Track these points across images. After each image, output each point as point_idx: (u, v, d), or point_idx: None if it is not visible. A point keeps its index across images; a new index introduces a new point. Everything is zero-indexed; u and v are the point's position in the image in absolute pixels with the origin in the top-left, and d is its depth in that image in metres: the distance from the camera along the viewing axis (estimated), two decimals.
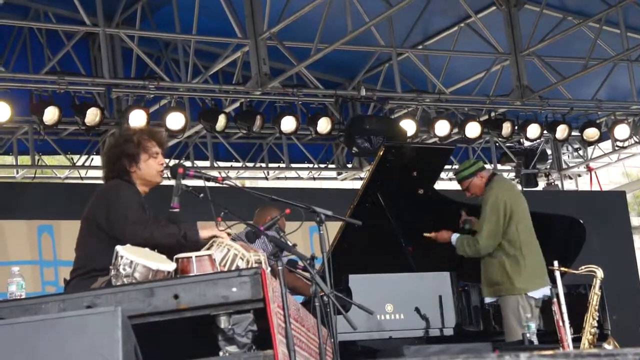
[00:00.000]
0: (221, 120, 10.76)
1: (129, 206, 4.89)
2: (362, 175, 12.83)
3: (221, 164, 12.61)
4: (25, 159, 11.59)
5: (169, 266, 4.46)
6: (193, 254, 4.50)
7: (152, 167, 5.11)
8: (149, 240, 4.75)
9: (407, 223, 7.76)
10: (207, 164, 12.33)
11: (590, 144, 13.39)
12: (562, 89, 11.87)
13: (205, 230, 4.89)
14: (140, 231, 4.76)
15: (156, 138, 5.19)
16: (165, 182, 5.41)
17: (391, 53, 11.21)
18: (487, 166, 12.77)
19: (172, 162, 11.72)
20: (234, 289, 4.18)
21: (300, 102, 11.44)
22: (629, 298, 12.07)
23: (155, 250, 4.68)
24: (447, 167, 12.81)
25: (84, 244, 5.01)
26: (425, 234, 7.60)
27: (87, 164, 11.84)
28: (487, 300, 7.43)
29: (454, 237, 7.49)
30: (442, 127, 11.80)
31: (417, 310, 7.10)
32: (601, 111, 12.84)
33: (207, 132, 11.49)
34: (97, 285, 4.62)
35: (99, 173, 5.47)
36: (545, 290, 7.23)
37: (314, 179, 13.30)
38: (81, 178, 11.94)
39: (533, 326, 6.61)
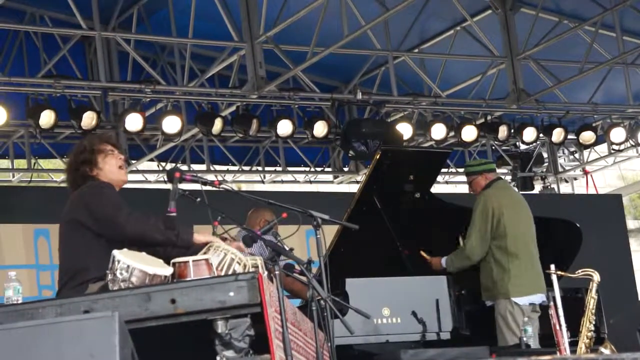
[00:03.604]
0: (217, 124, 10.76)
1: (115, 201, 4.89)
2: (359, 178, 12.83)
3: (217, 167, 12.61)
4: (21, 163, 11.58)
5: (166, 270, 4.46)
6: (190, 258, 4.50)
7: (112, 164, 5.12)
8: (139, 233, 4.73)
9: (403, 227, 7.76)
10: (203, 167, 12.33)
11: (586, 147, 13.41)
12: (558, 93, 11.88)
13: (200, 234, 4.88)
14: (132, 223, 4.75)
15: (106, 140, 5.23)
16: (162, 186, 5.42)
17: (387, 56, 11.22)
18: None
19: (169, 166, 11.73)
20: (231, 294, 4.17)
21: (296, 106, 11.45)
22: (625, 302, 12.06)
23: (151, 253, 4.68)
24: (443, 170, 12.82)
25: (67, 246, 5.00)
26: (422, 253, 7.62)
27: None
28: (488, 304, 7.46)
29: (444, 260, 7.53)
30: (438, 131, 11.82)
31: (414, 314, 7.11)
32: (597, 114, 12.85)
33: (204, 135, 11.49)
34: (91, 291, 4.61)
35: None
36: (533, 299, 7.26)
37: (311, 182, 13.29)
38: None
39: (530, 330, 6.62)
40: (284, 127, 11.12)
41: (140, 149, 11.56)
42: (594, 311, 6.79)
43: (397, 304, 7.09)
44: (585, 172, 14.48)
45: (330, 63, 11.08)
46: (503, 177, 13.49)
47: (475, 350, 7.05)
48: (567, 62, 11.71)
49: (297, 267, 5.20)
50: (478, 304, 7.48)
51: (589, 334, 6.69)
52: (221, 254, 4.66)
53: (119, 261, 4.40)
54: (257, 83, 9.94)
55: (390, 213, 7.72)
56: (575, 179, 14.85)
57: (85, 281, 4.75)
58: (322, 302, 4.81)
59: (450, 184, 13.73)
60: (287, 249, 5.00)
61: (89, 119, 9.95)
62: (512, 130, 12.38)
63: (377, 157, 7.55)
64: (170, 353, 4.51)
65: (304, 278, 5.01)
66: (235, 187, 11.33)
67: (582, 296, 7.28)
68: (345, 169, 13.25)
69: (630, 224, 19.82)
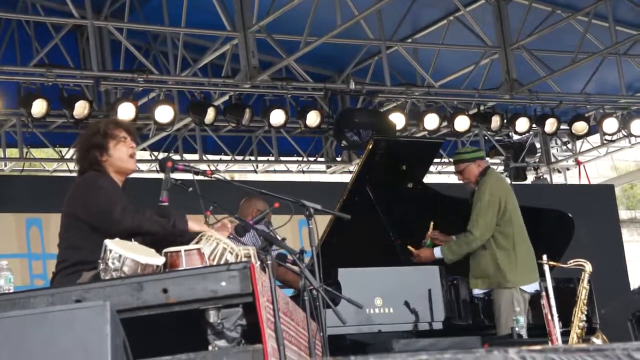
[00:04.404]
0: (210, 114, 10.75)
1: (111, 195, 4.89)
2: (351, 168, 12.82)
3: (210, 157, 12.59)
4: (13, 152, 11.55)
5: (158, 260, 4.45)
6: (182, 248, 4.50)
7: (123, 151, 5.11)
8: (136, 227, 4.74)
9: (396, 217, 7.76)
10: (196, 157, 12.31)
11: (579, 137, 13.40)
12: (551, 83, 11.89)
13: (194, 222, 4.88)
14: (127, 218, 4.75)
15: (122, 126, 5.23)
16: (154, 176, 5.41)
17: (380, 46, 11.21)
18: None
19: (161, 156, 11.71)
20: (223, 283, 4.17)
21: (289, 95, 11.43)
22: (617, 292, 12.08)
23: (142, 242, 4.67)
24: (436, 160, 12.83)
25: (65, 237, 5.00)
26: (410, 248, 7.58)
27: (75, 156, 11.78)
28: (476, 292, 7.44)
29: (437, 250, 7.47)
30: (431, 121, 11.81)
31: (406, 304, 7.11)
32: (590, 105, 12.86)
33: (196, 125, 11.46)
34: (84, 280, 4.61)
35: None
36: (537, 285, 7.25)
37: (303, 172, 13.29)
38: (70, 171, 11.91)
39: (522, 320, 6.63)
40: (277, 117, 11.11)
41: None
42: (585, 301, 6.80)
43: (389, 293, 7.09)
44: (578, 163, 14.49)
45: (323, 53, 11.06)
46: (495, 167, 13.57)
47: (467, 339, 7.07)
48: (560, 52, 11.71)
49: (289, 256, 5.20)
50: (471, 294, 7.49)
51: (581, 324, 6.70)
52: (213, 243, 4.66)
53: (110, 250, 4.40)
54: (250, 72, 9.93)
55: (383, 203, 7.72)
56: (568, 169, 14.86)
57: (80, 270, 4.75)
58: (314, 292, 4.81)
59: (443, 174, 13.73)
60: (280, 238, 5.00)
61: (81, 108, 9.93)
62: (505, 121, 12.38)
63: (370, 147, 7.54)
64: (161, 343, 4.50)
65: (296, 268, 5.01)
66: (227, 176, 11.32)
67: (574, 286, 7.29)
68: (338, 159, 13.24)
69: (623, 214, 19.85)
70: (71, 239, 4.93)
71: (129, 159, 5.14)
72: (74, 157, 5.31)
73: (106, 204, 4.81)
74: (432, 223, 7.59)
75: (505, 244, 7.33)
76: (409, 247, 7.58)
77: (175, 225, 4.83)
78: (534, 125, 12.55)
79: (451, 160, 13.17)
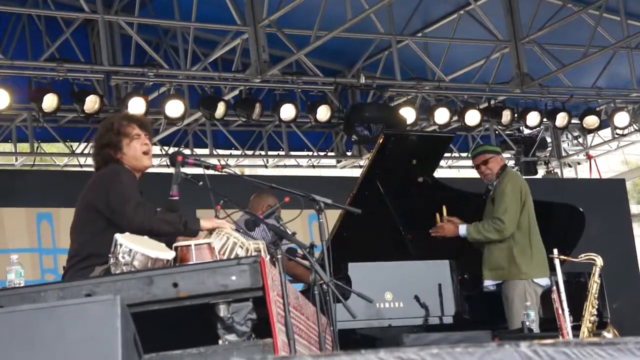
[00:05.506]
0: (220, 108, 10.75)
1: (130, 189, 4.87)
2: (362, 163, 12.80)
3: (220, 151, 12.60)
4: (24, 147, 11.57)
5: (168, 254, 4.46)
6: (192, 242, 4.50)
7: (136, 149, 5.05)
8: (147, 226, 4.72)
9: (406, 211, 7.75)
10: (206, 151, 12.32)
11: (590, 131, 13.37)
12: (562, 77, 11.85)
13: (206, 221, 4.87)
14: (141, 213, 4.74)
15: (135, 121, 5.16)
16: (165, 170, 5.41)
17: (391, 40, 11.19)
18: None
19: (171, 150, 11.72)
20: (233, 278, 4.17)
21: (299, 90, 11.43)
22: (628, 286, 12.06)
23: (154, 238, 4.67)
24: (446, 154, 12.81)
25: (80, 229, 4.98)
26: (433, 231, 7.54)
27: (86, 151, 11.79)
28: (487, 283, 7.42)
29: (462, 227, 7.44)
30: (441, 115, 11.79)
31: (416, 298, 7.11)
32: (601, 99, 12.82)
33: (206, 119, 11.47)
34: (96, 275, 4.61)
35: None
36: (548, 280, 7.24)
37: (314, 166, 13.27)
38: (80, 165, 11.94)
39: (532, 314, 6.62)
40: (287, 111, 11.10)
41: None
42: (596, 295, 6.79)
43: (399, 288, 7.09)
44: (589, 157, 14.45)
45: (333, 47, 11.05)
46: (506, 161, 13.54)
47: (477, 334, 7.06)
48: (571, 46, 11.67)
49: (299, 251, 5.20)
50: (481, 289, 7.47)
51: (592, 319, 6.69)
52: (223, 238, 4.66)
53: (121, 245, 4.41)
54: (260, 67, 9.92)
55: (393, 197, 7.71)
56: (579, 163, 14.82)
57: (93, 264, 4.74)
58: (324, 286, 4.81)
59: (453, 168, 13.72)
60: (290, 232, 5.00)
61: (91, 103, 9.95)
62: (516, 115, 12.35)
63: (380, 141, 7.53)
64: (172, 337, 4.50)
65: (306, 262, 5.01)
66: (238, 171, 11.33)
67: (585, 281, 7.27)
68: (348, 154, 13.23)
69: (634, 208, 19.78)
70: (87, 232, 4.91)
71: (143, 156, 5.09)
72: (91, 152, 5.28)
73: (122, 199, 4.80)
74: (444, 207, 7.56)
75: (519, 238, 7.35)
76: (437, 215, 7.53)
77: (187, 225, 4.80)
78: (544, 120, 12.53)
79: (462, 155, 13.22)
